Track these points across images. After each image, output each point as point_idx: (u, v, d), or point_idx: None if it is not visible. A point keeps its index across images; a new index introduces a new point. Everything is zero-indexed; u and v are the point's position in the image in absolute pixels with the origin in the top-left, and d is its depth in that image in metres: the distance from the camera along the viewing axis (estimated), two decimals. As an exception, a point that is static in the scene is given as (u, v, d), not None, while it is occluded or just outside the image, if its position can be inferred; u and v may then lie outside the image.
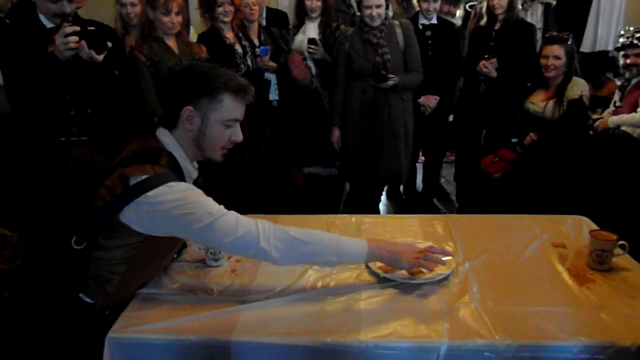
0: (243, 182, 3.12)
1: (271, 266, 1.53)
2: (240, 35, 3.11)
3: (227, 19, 3.01)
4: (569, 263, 1.54)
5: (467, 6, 4.28)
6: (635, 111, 2.91)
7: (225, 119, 1.39)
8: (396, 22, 3.06)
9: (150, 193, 1.26)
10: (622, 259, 1.52)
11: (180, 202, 1.27)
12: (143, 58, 2.63)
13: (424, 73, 3.09)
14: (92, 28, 2.17)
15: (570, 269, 1.50)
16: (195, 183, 1.49)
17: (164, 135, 1.40)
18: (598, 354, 1.17)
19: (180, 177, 1.36)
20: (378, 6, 2.87)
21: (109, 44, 2.15)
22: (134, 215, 1.29)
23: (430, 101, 3.28)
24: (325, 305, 1.34)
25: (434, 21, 3.30)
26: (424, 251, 1.45)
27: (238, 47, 3.06)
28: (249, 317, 1.29)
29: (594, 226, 1.77)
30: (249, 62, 3.06)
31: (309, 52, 3.12)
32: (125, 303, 1.38)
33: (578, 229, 1.77)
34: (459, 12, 4.05)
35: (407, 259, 1.41)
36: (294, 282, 1.45)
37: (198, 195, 1.32)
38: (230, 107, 1.39)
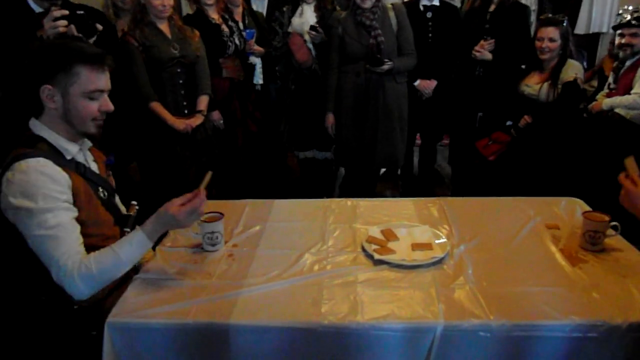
0: (237, 167, 3.12)
1: (267, 250, 1.57)
2: (226, 16, 3.08)
3: (211, 2, 2.99)
4: (562, 244, 1.56)
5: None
6: (629, 93, 2.92)
7: (86, 90, 1.37)
8: (389, 5, 3.04)
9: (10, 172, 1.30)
10: (614, 239, 1.55)
11: (23, 185, 1.28)
12: (135, 43, 2.61)
13: (422, 56, 3.07)
14: (81, 12, 2.14)
15: (563, 249, 1.52)
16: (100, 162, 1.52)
17: (33, 125, 1.41)
18: (590, 332, 1.19)
19: (60, 158, 1.37)
20: None
21: (99, 27, 2.13)
22: (5, 203, 1.30)
23: (428, 86, 3.26)
24: (322, 288, 1.35)
25: (436, 2, 3.26)
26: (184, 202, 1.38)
27: (224, 27, 3.04)
28: (247, 300, 1.31)
29: (587, 208, 1.79)
30: (237, 42, 3.04)
31: (311, 38, 3.10)
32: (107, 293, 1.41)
33: (571, 210, 1.79)
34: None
35: (178, 216, 1.35)
36: (291, 266, 1.46)
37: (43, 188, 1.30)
38: (89, 78, 1.37)
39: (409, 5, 3.20)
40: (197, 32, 2.81)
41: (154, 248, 1.59)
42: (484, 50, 3.11)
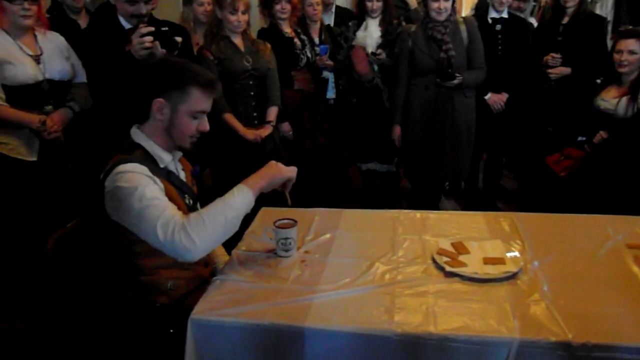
0: (304, 177, 3.19)
1: (339, 258, 1.60)
2: (299, 30, 3.18)
3: (285, 16, 3.10)
4: (646, 265, 1.49)
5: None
6: None
7: (192, 110, 1.49)
8: (460, 19, 3.03)
9: (111, 176, 1.40)
10: (703, 262, 1.47)
11: (125, 179, 1.38)
12: (211, 57, 2.74)
13: (492, 69, 3.03)
14: (165, 28, 2.30)
15: (647, 270, 1.46)
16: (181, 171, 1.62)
17: (134, 133, 1.53)
18: (677, 358, 1.14)
19: (154, 165, 1.48)
20: (446, 0, 2.85)
21: (179, 39, 2.28)
22: (109, 205, 1.41)
23: (499, 99, 3.21)
24: (394, 297, 1.37)
25: (505, 15, 3.22)
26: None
27: (297, 41, 3.14)
28: (321, 305, 1.34)
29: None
30: (309, 54, 3.13)
31: (371, 58, 3.16)
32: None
33: (655, 230, 1.71)
34: (529, 8, 3.93)
35: (282, 168, 1.52)
36: (362, 274, 1.49)
37: (143, 180, 1.40)
38: (198, 100, 1.48)
39: (477, 18, 3.18)
40: (268, 46, 2.92)
41: (229, 253, 1.67)
42: (557, 68, 3.03)
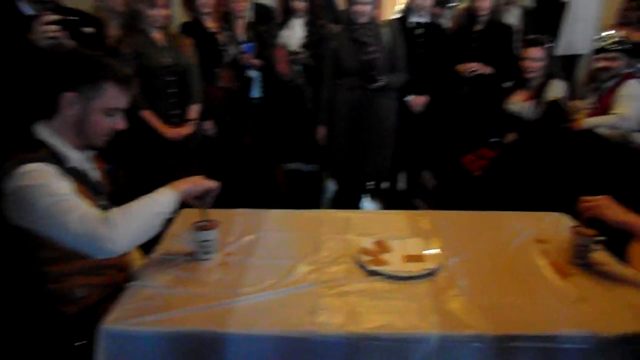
0: (228, 176, 3.12)
1: (262, 260, 1.57)
2: (222, 25, 3.10)
3: (207, 10, 3.02)
4: (551, 258, 1.59)
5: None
6: (609, 113, 3.01)
7: (107, 107, 1.39)
8: (383, 22, 3.09)
9: (11, 177, 1.28)
10: (600, 254, 1.59)
11: (30, 177, 1.27)
12: (128, 50, 2.60)
13: (413, 72, 3.12)
14: (75, 18, 2.15)
15: (552, 263, 1.56)
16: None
17: (39, 129, 1.39)
18: (580, 344, 1.22)
19: (62, 165, 1.36)
20: (366, 3, 2.89)
21: (90, 30, 2.14)
22: (10, 207, 1.29)
23: (420, 102, 3.31)
24: (317, 298, 1.36)
25: (425, 19, 3.32)
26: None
27: (220, 37, 3.06)
28: (243, 308, 1.30)
29: (573, 223, 1.83)
30: (233, 51, 3.06)
31: (292, 57, 3.14)
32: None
33: (558, 225, 1.83)
34: (447, 15, 4.10)
35: (204, 180, 1.50)
36: (286, 276, 1.46)
37: (52, 177, 1.30)
38: (113, 96, 1.39)
39: (399, 22, 3.27)
40: (189, 41, 2.82)
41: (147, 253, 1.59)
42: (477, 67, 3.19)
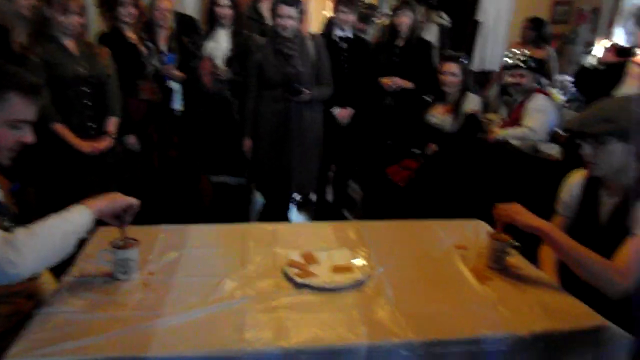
0: (152, 190, 3.00)
1: (186, 277, 1.51)
2: (143, 36, 3.00)
3: (130, 21, 2.90)
4: (470, 264, 1.66)
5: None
6: (520, 125, 3.22)
7: (11, 119, 1.30)
8: (308, 35, 3.13)
9: None
10: (515, 258, 1.68)
11: None
12: (36, 59, 2.44)
13: (338, 85, 3.17)
14: None
15: (472, 269, 1.62)
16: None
17: None
18: (499, 345, 1.27)
19: None
20: (290, 17, 2.91)
21: None
22: None
23: (345, 114, 3.37)
24: (244, 314, 1.32)
25: (349, 34, 3.40)
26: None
27: (142, 48, 2.96)
28: (166, 330, 1.24)
29: (490, 229, 1.93)
30: (156, 64, 2.96)
31: (215, 77, 3.10)
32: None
33: (477, 232, 1.91)
34: (371, 30, 4.23)
35: (123, 197, 1.43)
36: (211, 293, 1.42)
37: None
38: (18, 107, 1.29)
39: (323, 36, 3.32)
40: (107, 50, 2.69)
41: (57, 276, 1.47)
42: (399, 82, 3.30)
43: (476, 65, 5.38)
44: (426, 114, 3.26)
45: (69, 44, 2.55)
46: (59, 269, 1.46)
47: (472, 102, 3.16)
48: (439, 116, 3.20)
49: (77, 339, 1.19)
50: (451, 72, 3.14)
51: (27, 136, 1.35)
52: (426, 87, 3.35)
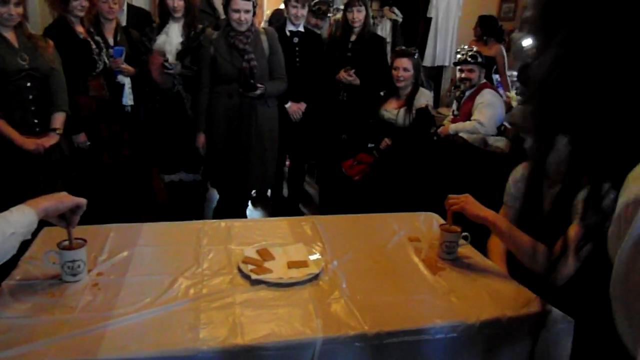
0: (102, 189, 2.90)
1: (138, 277, 1.47)
2: (92, 30, 2.89)
3: (81, 14, 2.79)
4: (423, 255, 1.70)
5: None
6: (470, 119, 3.32)
7: None
8: (261, 29, 3.10)
9: None
10: (466, 248, 1.73)
11: None
12: (-27, 51, 2.31)
13: (291, 79, 3.16)
14: None
15: (424, 260, 1.66)
16: None
17: None
18: (450, 332, 1.31)
19: None
20: (246, 11, 2.87)
21: None
22: None
23: (298, 109, 3.36)
24: (199, 312, 1.31)
25: (301, 29, 3.39)
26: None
27: (93, 44, 2.85)
28: (117, 332, 1.20)
29: (442, 221, 1.98)
30: (105, 60, 2.87)
31: (165, 70, 3.01)
32: None
33: (429, 224, 1.96)
34: (326, 26, 4.23)
35: (69, 197, 1.38)
36: (164, 292, 1.39)
37: None
38: None
39: (276, 30, 3.30)
40: (50, 42, 2.58)
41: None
42: (352, 77, 3.31)
43: (428, 60, 5.49)
44: (380, 109, 3.31)
45: (9, 35, 2.43)
46: (1, 272, 1.39)
47: (424, 97, 3.23)
48: (392, 110, 3.24)
49: (21, 344, 1.14)
50: (404, 68, 3.19)
51: None
52: (379, 82, 3.38)
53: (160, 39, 3.09)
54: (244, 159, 3.05)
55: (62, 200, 1.36)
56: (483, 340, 1.34)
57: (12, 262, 1.39)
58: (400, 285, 1.50)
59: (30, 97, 2.49)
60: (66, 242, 1.42)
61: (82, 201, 1.39)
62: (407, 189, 3.07)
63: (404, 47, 3.41)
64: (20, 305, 1.30)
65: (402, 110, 3.19)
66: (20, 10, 2.42)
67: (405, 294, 1.45)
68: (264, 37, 3.06)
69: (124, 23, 3.36)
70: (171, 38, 3.09)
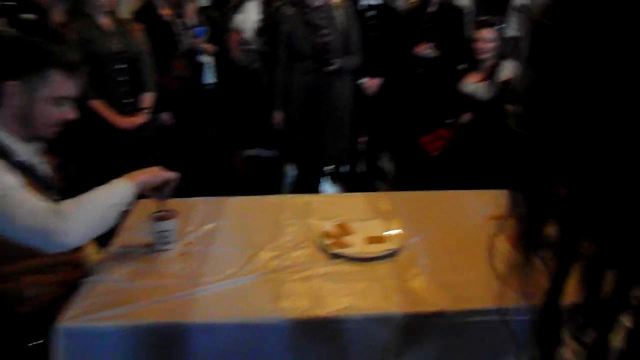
0: (185, 166, 3.06)
1: (223, 248, 1.54)
2: (177, 12, 3.01)
3: None
4: (507, 233, 1.64)
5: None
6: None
7: (54, 96, 1.33)
8: (336, 3, 3.07)
9: None
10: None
11: None
12: (73, 36, 2.49)
13: (366, 54, 3.12)
14: (13, 3, 2.04)
15: (508, 238, 1.60)
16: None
17: None
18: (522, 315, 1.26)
19: (8, 159, 1.29)
20: None
21: (31, 17, 2.04)
22: None
23: (373, 84, 3.32)
24: (280, 283, 1.35)
25: (376, 1, 3.32)
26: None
27: (176, 25, 2.98)
28: (204, 298, 1.28)
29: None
30: (188, 40, 2.98)
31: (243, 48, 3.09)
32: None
33: (513, 201, 1.88)
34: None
35: (163, 171, 1.45)
36: (248, 263, 1.45)
37: None
38: (60, 84, 1.33)
39: (351, 4, 3.25)
40: (140, 26, 2.72)
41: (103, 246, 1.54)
42: (428, 49, 3.22)
43: (513, 30, 5.18)
44: (460, 83, 3.18)
45: (104, 21, 2.59)
46: (103, 240, 1.52)
47: (508, 69, 3.06)
48: (473, 84, 3.11)
49: (122, 305, 1.25)
50: (486, 39, 3.03)
51: (70, 112, 1.39)
52: (458, 55, 3.25)
53: (238, 18, 3.16)
54: (319, 135, 3.08)
55: (157, 174, 1.45)
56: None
57: (113, 231, 1.51)
58: (480, 263, 1.46)
59: (123, 78, 2.65)
60: (159, 214, 1.52)
61: (174, 175, 1.47)
62: (490, 164, 2.96)
63: (486, 17, 3.24)
64: (120, 270, 1.41)
65: (484, 83, 3.05)
66: (113, -5, 2.57)
67: (486, 272, 1.41)
68: (338, 12, 3.03)
69: (203, 3, 3.47)
70: (249, 16, 3.15)
